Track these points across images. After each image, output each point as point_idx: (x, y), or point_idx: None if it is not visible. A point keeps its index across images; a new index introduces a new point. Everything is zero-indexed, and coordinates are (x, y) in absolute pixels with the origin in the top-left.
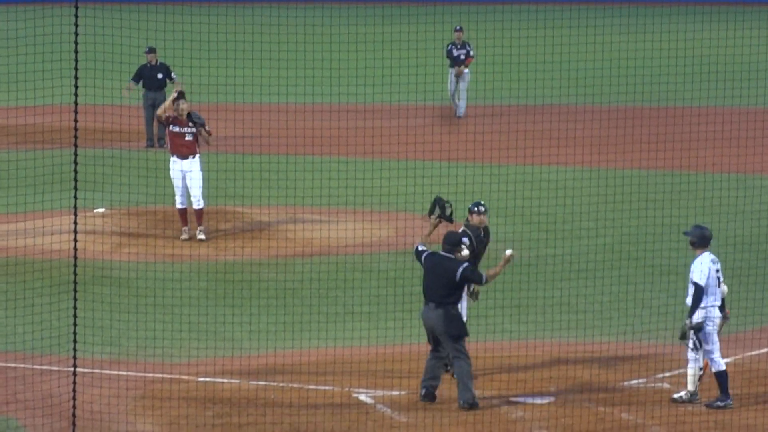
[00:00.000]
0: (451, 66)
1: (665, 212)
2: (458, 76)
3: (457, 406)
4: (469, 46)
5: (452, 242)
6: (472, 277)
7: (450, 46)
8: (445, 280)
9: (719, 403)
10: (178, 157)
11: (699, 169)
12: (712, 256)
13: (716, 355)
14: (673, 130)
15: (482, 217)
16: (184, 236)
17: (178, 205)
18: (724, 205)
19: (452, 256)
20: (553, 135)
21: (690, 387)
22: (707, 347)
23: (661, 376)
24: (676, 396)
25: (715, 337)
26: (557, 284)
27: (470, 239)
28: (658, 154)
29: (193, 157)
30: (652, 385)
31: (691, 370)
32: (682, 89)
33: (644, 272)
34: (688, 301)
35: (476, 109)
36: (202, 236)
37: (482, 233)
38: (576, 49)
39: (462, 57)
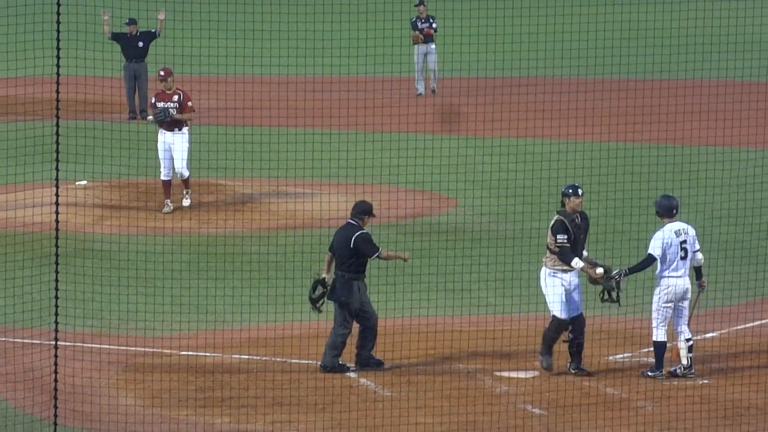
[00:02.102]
0: (417, 42)
1: (651, 185)
2: (416, 43)
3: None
4: (433, 19)
5: (359, 210)
6: (364, 246)
7: (414, 20)
8: (344, 247)
9: (649, 373)
10: (165, 129)
11: (684, 142)
12: (680, 227)
13: (656, 324)
14: (659, 102)
15: (579, 200)
16: (167, 209)
17: (163, 177)
18: (710, 177)
19: (355, 224)
20: (537, 107)
21: (684, 361)
22: (653, 315)
23: (646, 350)
24: (671, 369)
25: (664, 311)
26: (542, 258)
27: (566, 227)
28: (643, 127)
29: (179, 130)
30: (637, 359)
31: (682, 343)
32: (668, 62)
33: (629, 245)
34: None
35: (461, 82)
36: (187, 202)
37: (578, 218)
38: (561, 20)
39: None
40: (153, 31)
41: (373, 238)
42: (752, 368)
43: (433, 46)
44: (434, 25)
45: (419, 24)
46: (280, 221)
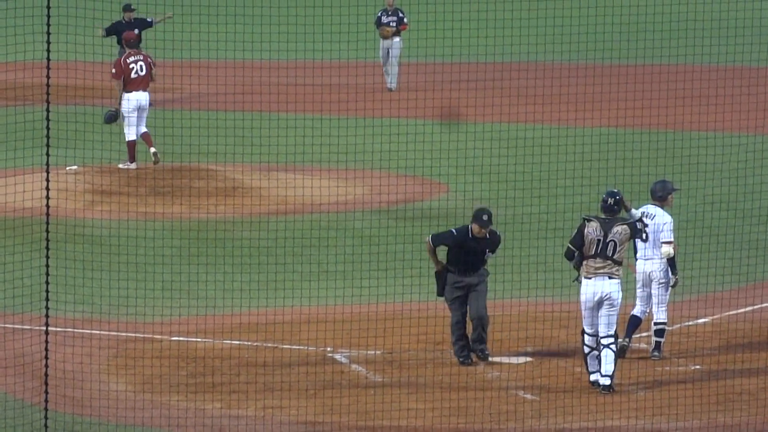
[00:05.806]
0: (382, 36)
1: (642, 170)
2: (385, 38)
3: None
4: (402, 12)
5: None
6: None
7: (380, 12)
8: None
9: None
10: (142, 90)
11: (676, 127)
12: (645, 210)
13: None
14: (651, 87)
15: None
16: (134, 166)
17: (134, 137)
18: (702, 163)
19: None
20: (529, 93)
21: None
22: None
23: (638, 335)
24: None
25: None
26: (534, 243)
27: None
28: (635, 112)
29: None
30: (627, 344)
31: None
32: (660, 46)
33: None
34: None
35: (452, 66)
36: (154, 149)
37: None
38: (553, 4)
39: (393, 24)
40: (149, 20)
41: (442, 236)
42: (744, 354)
43: (398, 39)
44: (405, 20)
45: (384, 18)
46: (271, 206)
